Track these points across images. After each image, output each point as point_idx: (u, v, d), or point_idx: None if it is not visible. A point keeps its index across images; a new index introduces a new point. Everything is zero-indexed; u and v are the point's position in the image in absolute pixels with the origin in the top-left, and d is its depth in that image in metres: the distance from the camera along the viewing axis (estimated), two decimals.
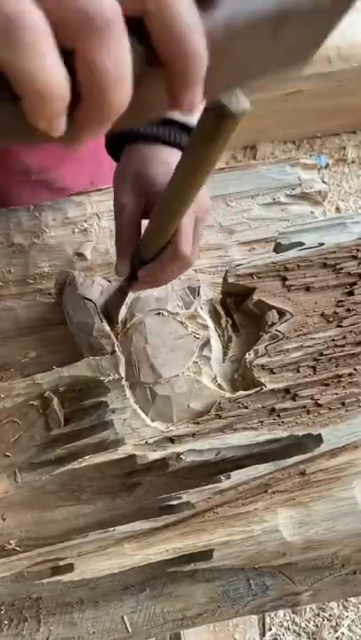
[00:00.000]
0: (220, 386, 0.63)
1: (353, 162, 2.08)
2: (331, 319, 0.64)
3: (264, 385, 0.61)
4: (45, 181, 0.85)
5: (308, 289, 0.65)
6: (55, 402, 0.63)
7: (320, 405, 0.61)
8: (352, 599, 1.47)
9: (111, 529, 0.56)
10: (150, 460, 0.58)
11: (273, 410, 0.60)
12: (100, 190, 0.80)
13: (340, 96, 1.90)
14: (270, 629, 1.42)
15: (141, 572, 0.60)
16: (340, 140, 2.10)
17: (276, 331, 0.63)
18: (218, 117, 0.35)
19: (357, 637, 1.44)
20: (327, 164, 2.06)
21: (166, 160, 0.58)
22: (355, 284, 0.65)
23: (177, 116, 0.58)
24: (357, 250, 0.66)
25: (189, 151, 0.41)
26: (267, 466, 0.58)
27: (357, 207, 2.01)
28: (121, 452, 0.59)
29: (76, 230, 0.77)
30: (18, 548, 0.60)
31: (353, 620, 1.45)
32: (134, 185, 0.58)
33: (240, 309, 0.67)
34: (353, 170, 2.07)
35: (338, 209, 2.01)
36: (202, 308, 0.66)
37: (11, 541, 0.60)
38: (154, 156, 0.59)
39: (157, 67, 0.26)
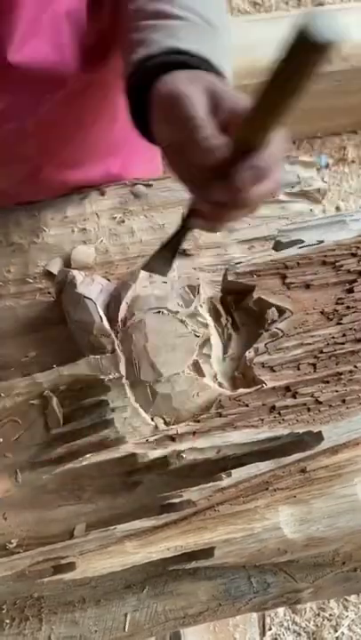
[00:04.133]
0: (220, 384, 0.63)
1: (353, 161, 2.07)
2: (331, 317, 0.64)
3: (264, 383, 0.61)
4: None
5: (307, 287, 0.65)
6: (54, 401, 0.63)
7: (320, 403, 0.60)
8: (352, 599, 1.47)
9: (112, 527, 0.56)
10: (151, 458, 0.58)
11: (273, 407, 0.60)
12: (99, 190, 0.80)
13: (340, 96, 1.90)
14: (270, 629, 1.42)
15: (143, 570, 0.60)
16: (340, 139, 2.10)
17: (276, 328, 0.63)
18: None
19: (357, 637, 1.43)
20: (327, 164, 2.06)
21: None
22: (354, 281, 0.65)
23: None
24: (357, 247, 0.66)
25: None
26: (267, 463, 0.58)
27: (358, 207, 2.01)
28: (122, 451, 0.59)
29: (76, 229, 0.77)
30: (19, 548, 0.60)
31: (353, 620, 1.45)
32: (195, 82, 0.49)
33: (240, 307, 0.67)
34: (353, 170, 2.07)
35: (338, 208, 2.01)
36: (202, 307, 0.66)
37: (12, 540, 0.60)
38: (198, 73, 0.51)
39: None
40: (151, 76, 0.52)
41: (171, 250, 0.57)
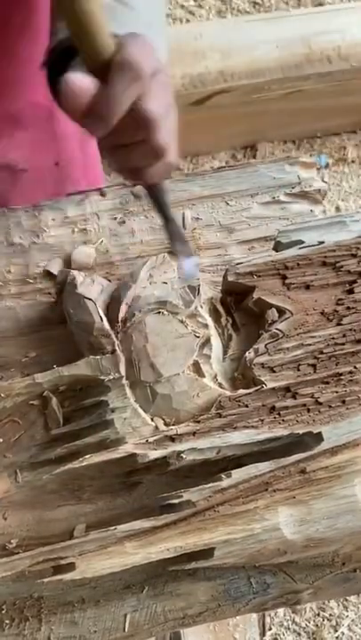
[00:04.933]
0: (220, 384, 0.63)
1: (353, 161, 2.08)
2: (331, 317, 0.64)
3: (264, 383, 0.61)
4: (7, 165, 0.83)
5: (307, 287, 0.65)
6: (54, 401, 0.63)
7: (320, 403, 0.61)
8: (352, 599, 1.47)
9: (112, 528, 0.56)
10: (151, 458, 0.58)
11: (273, 408, 0.60)
12: (99, 190, 0.80)
13: (340, 96, 1.90)
14: (270, 629, 1.42)
15: (142, 570, 0.60)
16: (340, 139, 2.10)
17: (276, 329, 0.63)
18: None
19: (357, 637, 1.44)
20: (327, 164, 2.06)
21: None
22: (355, 282, 0.65)
23: None
24: (357, 248, 0.66)
25: None
26: (267, 464, 0.58)
27: (357, 207, 2.01)
28: (121, 451, 0.59)
29: (76, 230, 0.77)
30: (19, 548, 0.60)
31: (353, 620, 1.45)
32: None
33: (240, 308, 0.67)
34: (353, 169, 2.07)
35: (338, 208, 2.01)
36: (202, 307, 0.66)
37: (12, 541, 0.60)
38: None
39: None
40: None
41: (171, 224, 0.61)
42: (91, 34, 0.46)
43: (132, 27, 0.53)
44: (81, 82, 0.47)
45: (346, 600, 1.47)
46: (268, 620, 1.43)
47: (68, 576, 0.55)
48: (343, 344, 0.63)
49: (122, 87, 0.47)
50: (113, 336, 0.64)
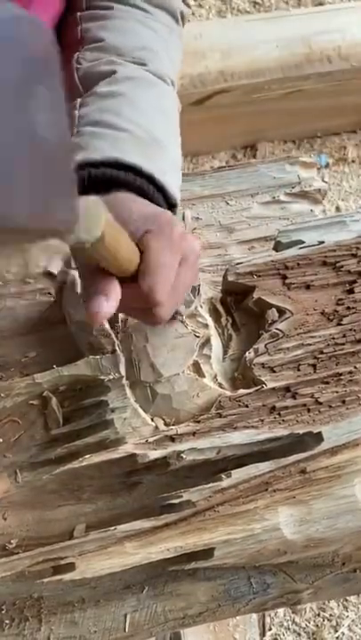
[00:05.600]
0: (220, 384, 0.63)
1: (353, 161, 2.07)
2: (331, 317, 0.64)
3: (264, 383, 0.61)
4: None
5: (308, 287, 0.65)
6: (54, 401, 0.63)
7: (320, 403, 0.60)
8: (352, 599, 1.47)
9: (112, 528, 0.56)
10: (151, 458, 0.58)
11: (273, 408, 0.60)
12: None
13: (340, 96, 1.90)
14: (270, 629, 1.42)
15: (142, 570, 0.60)
16: (340, 139, 2.10)
17: (277, 329, 0.63)
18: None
19: (358, 637, 1.43)
20: (327, 164, 2.06)
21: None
22: (355, 282, 0.65)
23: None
24: (357, 248, 0.66)
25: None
26: (267, 464, 0.58)
27: (358, 207, 2.01)
28: (121, 451, 0.59)
29: None
30: (19, 548, 0.60)
31: (353, 620, 1.45)
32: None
33: (240, 308, 0.67)
34: (353, 169, 2.07)
35: (338, 208, 2.01)
36: (202, 307, 0.66)
37: (12, 541, 0.60)
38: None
39: None
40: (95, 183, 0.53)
41: None
42: (115, 266, 0.46)
43: (160, 165, 0.56)
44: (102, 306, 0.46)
45: (346, 600, 1.47)
46: (268, 620, 1.43)
47: (67, 576, 0.55)
48: (343, 344, 0.63)
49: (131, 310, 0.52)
50: (113, 336, 0.64)
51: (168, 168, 0.57)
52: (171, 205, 0.58)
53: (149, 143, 0.57)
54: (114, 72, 0.61)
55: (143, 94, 0.61)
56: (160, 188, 0.57)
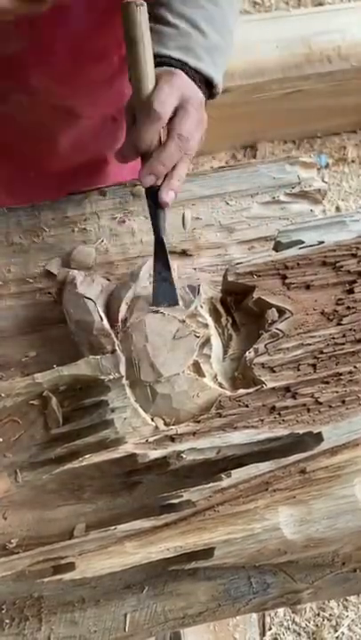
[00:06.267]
0: (220, 384, 0.63)
1: (353, 161, 2.08)
2: (331, 317, 0.64)
3: (264, 383, 0.61)
4: (64, 107, 0.85)
5: (307, 287, 0.65)
6: (54, 401, 0.63)
7: (320, 403, 0.61)
8: (352, 599, 1.47)
9: (112, 528, 0.56)
10: (151, 458, 0.58)
11: (273, 408, 0.60)
12: (99, 190, 0.80)
13: (340, 96, 1.90)
14: (270, 629, 1.42)
15: (142, 570, 0.60)
16: (340, 139, 2.10)
17: (277, 329, 0.63)
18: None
19: (357, 637, 1.44)
20: (327, 164, 2.06)
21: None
22: (354, 282, 0.65)
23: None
24: (357, 248, 0.66)
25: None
26: (267, 464, 0.58)
27: (358, 207, 2.01)
28: (121, 451, 0.59)
29: (76, 229, 0.77)
30: (19, 548, 0.60)
31: (353, 620, 1.45)
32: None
33: (240, 308, 0.67)
34: (353, 169, 2.07)
35: (338, 208, 2.01)
36: (202, 307, 0.66)
37: (12, 540, 0.60)
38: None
39: None
40: None
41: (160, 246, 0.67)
42: (137, 71, 0.62)
43: (194, 51, 0.69)
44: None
45: (346, 600, 1.47)
46: (268, 619, 1.43)
47: (67, 576, 0.55)
48: (343, 344, 0.63)
49: (144, 128, 0.63)
50: (113, 336, 0.64)
51: (204, 53, 0.69)
52: (208, 83, 0.72)
53: (189, 34, 0.69)
54: None
55: None
56: (198, 71, 0.69)
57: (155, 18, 0.69)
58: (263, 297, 0.64)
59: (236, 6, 0.78)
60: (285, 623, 1.44)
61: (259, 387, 0.61)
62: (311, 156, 0.82)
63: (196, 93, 0.68)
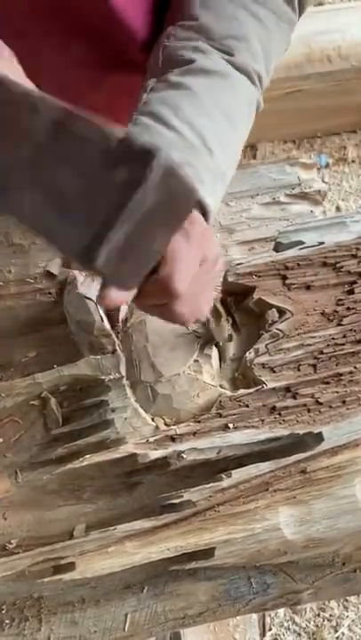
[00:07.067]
0: (220, 384, 0.63)
1: (353, 161, 2.07)
2: (331, 318, 0.64)
3: (265, 383, 0.61)
4: None
5: (308, 288, 0.65)
6: (53, 401, 0.63)
7: (321, 404, 0.61)
8: (352, 599, 1.47)
9: (112, 528, 0.56)
10: (151, 458, 0.58)
11: (274, 408, 0.60)
12: None
13: (340, 95, 1.90)
14: (270, 629, 1.42)
15: (143, 570, 0.60)
16: (340, 139, 2.10)
17: (277, 329, 0.63)
18: None
19: (358, 637, 1.43)
20: (327, 164, 2.06)
21: None
22: (355, 282, 0.65)
23: None
24: (357, 249, 0.66)
25: None
26: (268, 464, 0.58)
27: (358, 207, 2.01)
28: (122, 451, 0.59)
29: None
30: (19, 548, 0.60)
31: (353, 620, 1.45)
32: None
33: (240, 308, 0.67)
34: (353, 169, 2.07)
35: (338, 208, 2.01)
36: None
37: (12, 541, 0.60)
38: None
39: None
40: None
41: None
42: None
43: (197, 170, 0.55)
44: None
45: (346, 600, 1.47)
46: (268, 620, 1.43)
47: (67, 576, 0.55)
48: (343, 344, 0.63)
49: (150, 303, 0.49)
50: (113, 336, 0.64)
51: (207, 177, 0.56)
52: (203, 212, 0.57)
53: (194, 148, 0.56)
54: (192, 61, 0.58)
55: (211, 92, 0.58)
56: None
57: (150, 113, 0.56)
58: (263, 297, 0.64)
59: (245, 133, 0.64)
60: (286, 624, 1.44)
61: (259, 387, 0.61)
62: (311, 156, 0.82)
63: (212, 244, 0.53)
